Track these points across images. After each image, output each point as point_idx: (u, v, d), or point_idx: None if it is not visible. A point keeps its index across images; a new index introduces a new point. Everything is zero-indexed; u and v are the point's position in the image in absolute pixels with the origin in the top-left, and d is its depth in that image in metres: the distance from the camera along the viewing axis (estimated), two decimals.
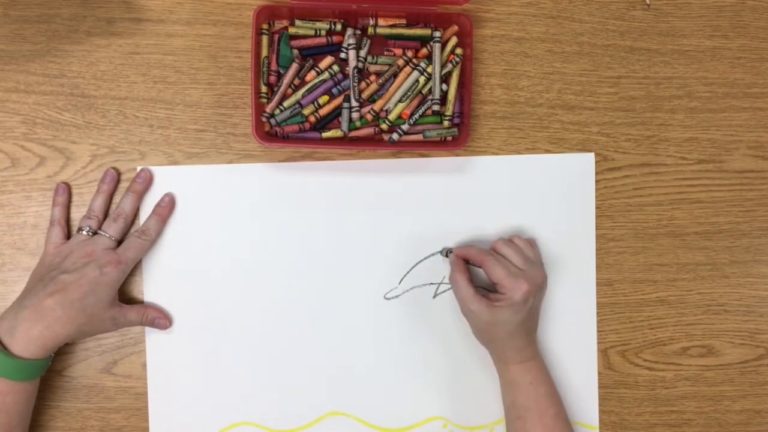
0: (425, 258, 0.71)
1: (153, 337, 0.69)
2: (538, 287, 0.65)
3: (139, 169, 0.69)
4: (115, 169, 0.69)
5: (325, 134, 0.69)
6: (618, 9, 0.73)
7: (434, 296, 0.71)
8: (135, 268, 0.68)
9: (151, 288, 0.69)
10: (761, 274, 0.74)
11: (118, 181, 0.69)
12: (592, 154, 0.72)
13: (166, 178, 0.69)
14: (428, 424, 0.71)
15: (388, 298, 0.71)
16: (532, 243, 0.69)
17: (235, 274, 0.70)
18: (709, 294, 0.74)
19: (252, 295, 0.70)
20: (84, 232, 0.66)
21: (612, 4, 0.73)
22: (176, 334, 0.69)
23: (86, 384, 0.69)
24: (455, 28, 0.69)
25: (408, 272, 0.71)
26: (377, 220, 0.71)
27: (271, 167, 0.70)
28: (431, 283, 0.71)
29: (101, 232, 0.66)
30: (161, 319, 0.68)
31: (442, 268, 0.71)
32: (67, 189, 0.69)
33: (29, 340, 0.61)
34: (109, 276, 0.64)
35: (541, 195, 0.72)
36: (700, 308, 0.74)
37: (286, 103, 0.69)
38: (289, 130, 0.69)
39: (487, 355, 0.69)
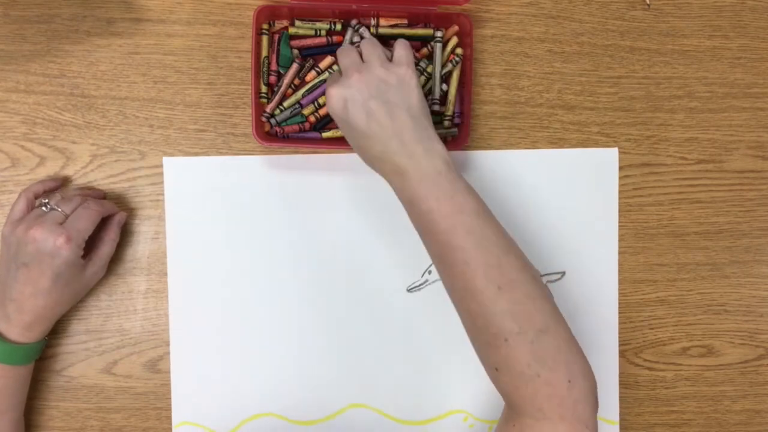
0: None
1: (177, 330, 0.70)
2: (361, 90, 0.57)
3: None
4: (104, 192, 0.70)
5: (325, 134, 0.69)
6: (618, 9, 0.73)
7: None
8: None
9: (175, 283, 0.70)
10: (761, 274, 0.74)
11: (103, 197, 0.69)
12: (616, 149, 0.72)
13: (183, 170, 0.70)
14: (449, 417, 0.71)
15: (411, 291, 0.71)
16: (378, 48, 0.61)
17: (257, 267, 0.70)
18: (709, 294, 0.74)
19: (274, 289, 0.70)
20: (43, 209, 0.64)
21: (612, 4, 0.73)
22: (199, 327, 0.70)
23: (86, 384, 0.69)
24: (456, 28, 0.69)
25: (432, 264, 0.71)
26: (397, 214, 0.70)
27: (293, 159, 0.70)
28: None
29: (54, 207, 0.64)
30: (118, 215, 0.68)
31: None
32: (61, 183, 0.69)
33: (24, 326, 0.63)
34: (63, 256, 0.62)
35: (562, 190, 0.72)
36: (700, 308, 0.74)
37: (286, 103, 0.69)
38: (289, 130, 0.69)
39: None
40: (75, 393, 0.70)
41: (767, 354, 0.74)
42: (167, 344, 0.70)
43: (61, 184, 0.69)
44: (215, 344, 0.70)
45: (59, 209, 0.64)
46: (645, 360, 0.73)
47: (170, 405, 0.70)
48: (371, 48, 0.61)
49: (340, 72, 0.61)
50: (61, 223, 0.63)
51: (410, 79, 0.60)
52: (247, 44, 0.70)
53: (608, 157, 0.72)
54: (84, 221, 0.63)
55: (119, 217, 0.68)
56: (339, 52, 0.62)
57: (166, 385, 0.70)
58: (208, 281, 0.70)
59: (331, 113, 0.60)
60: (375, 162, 0.60)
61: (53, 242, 0.61)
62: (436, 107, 0.69)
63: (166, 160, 0.70)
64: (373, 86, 0.58)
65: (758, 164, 0.74)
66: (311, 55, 0.69)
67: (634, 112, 0.73)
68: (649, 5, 0.73)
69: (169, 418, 0.70)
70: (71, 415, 0.69)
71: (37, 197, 0.66)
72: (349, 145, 0.69)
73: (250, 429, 0.70)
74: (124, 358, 0.70)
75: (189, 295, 0.70)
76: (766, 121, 0.74)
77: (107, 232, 0.67)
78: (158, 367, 0.70)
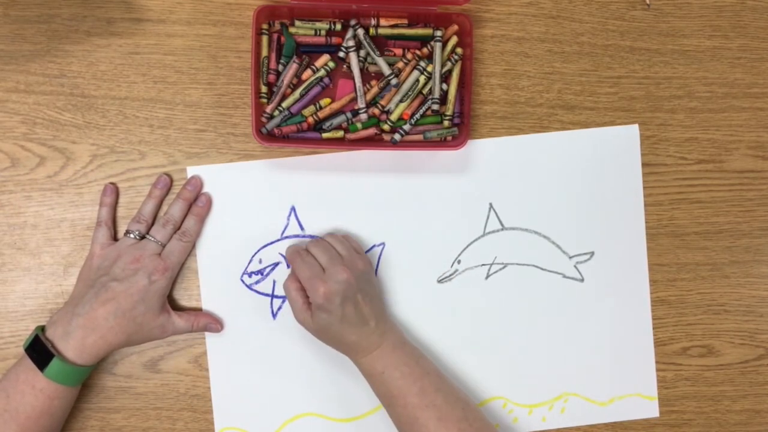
0: (476, 239, 0.71)
1: (213, 335, 0.70)
2: (343, 284, 0.62)
3: (189, 175, 0.69)
4: (167, 174, 0.69)
5: (326, 134, 0.69)
6: (618, 9, 0.73)
7: (487, 277, 0.71)
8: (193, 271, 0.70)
9: (207, 287, 0.70)
10: (761, 274, 0.74)
11: (170, 187, 0.69)
12: (636, 126, 0.72)
13: (208, 177, 0.70)
14: (488, 405, 0.72)
15: (442, 281, 0.71)
16: (343, 238, 0.67)
17: (286, 269, 0.70)
18: (709, 294, 0.74)
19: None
20: (132, 236, 0.66)
21: (612, 4, 0.73)
22: (235, 329, 0.70)
23: (86, 384, 0.69)
24: (455, 27, 0.69)
25: (460, 254, 0.71)
26: (425, 205, 0.71)
27: (312, 160, 0.71)
28: (483, 264, 0.71)
29: (149, 237, 0.66)
30: (213, 324, 0.69)
31: (494, 249, 0.71)
32: (115, 190, 0.69)
33: (83, 347, 0.62)
34: (158, 284, 0.64)
35: (585, 170, 0.72)
36: (700, 308, 0.74)
37: (284, 104, 0.69)
38: (287, 131, 0.69)
39: (542, 332, 0.71)
40: None
41: (767, 354, 0.74)
42: (167, 344, 0.70)
43: (116, 194, 0.69)
44: (252, 348, 0.70)
45: (154, 239, 0.66)
46: None
47: (170, 405, 0.70)
48: (343, 243, 0.66)
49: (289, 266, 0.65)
50: (159, 254, 0.66)
51: (371, 267, 0.68)
52: (247, 44, 0.70)
53: (629, 135, 0.72)
54: (178, 255, 0.67)
55: (213, 326, 0.69)
56: (313, 247, 0.65)
57: (167, 385, 0.70)
58: (240, 284, 0.70)
59: (316, 307, 0.63)
60: (347, 345, 0.65)
61: (153, 268, 0.64)
62: (436, 107, 0.69)
63: (191, 170, 0.70)
64: (360, 279, 0.64)
65: (758, 164, 0.74)
66: (309, 52, 0.69)
67: (634, 112, 0.73)
68: (649, 5, 0.73)
69: (168, 417, 0.70)
70: (71, 415, 0.69)
71: (112, 220, 0.68)
72: (346, 145, 0.69)
73: (292, 430, 0.70)
74: (124, 358, 0.70)
75: (222, 298, 0.70)
76: (766, 121, 0.74)
77: (196, 318, 0.68)
78: (158, 367, 0.70)
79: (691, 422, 0.74)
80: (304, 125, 0.69)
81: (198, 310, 0.70)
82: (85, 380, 0.67)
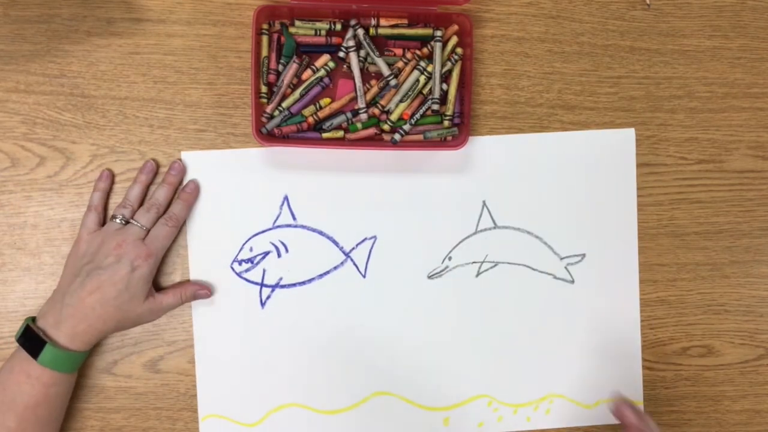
0: (468, 236, 0.71)
1: (200, 322, 0.70)
2: None
3: (184, 161, 0.69)
4: (154, 160, 0.69)
5: (326, 134, 0.69)
6: (618, 9, 0.73)
7: (477, 275, 0.71)
8: (162, 265, 0.69)
9: (198, 272, 0.70)
10: (761, 274, 0.74)
11: (155, 173, 0.69)
12: (632, 130, 0.72)
13: (202, 164, 0.70)
14: (473, 403, 0.72)
15: (432, 277, 0.71)
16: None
17: (277, 259, 0.71)
18: (709, 294, 0.74)
19: (296, 279, 0.71)
20: (117, 221, 0.66)
21: (612, 4, 0.73)
22: (223, 317, 0.70)
23: (86, 384, 0.69)
24: (455, 27, 0.69)
25: (451, 250, 0.71)
26: (410, 206, 0.71)
27: (302, 152, 0.70)
28: (474, 262, 0.71)
29: (133, 222, 0.66)
30: (201, 290, 0.69)
31: (486, 247, 0.71)
32: (110, 175, 0.69)
33: (75, 334, 0.63)
34: (141, 271, 0.64)
35: (580, 172, 0.72)
36: (700, 308, 0.74)
37: (285, 104, 0.69)
38: (287, 131, 0.69)
39: (530, 332, 0.71)
40: (75, 393, 0.69)
41: (767, 354, 0.74)
42: (167, 344, 0.70)
43: (111, 180, 0.69)
44: (238, 336, 0.70)
45: (138, 224, 0.66)
46: (645, 360, 0.73)
47: (170, 405, 0.70)
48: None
49: None
50: (143, 239, 0.65)
51: None
52: (247, 44, 0.70)
53: (625, 138, 0.72)
54: (162, 240, 0.66)
55: (202, 292, 0.69)
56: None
57: (167, 385, 0.70)
58: (228, 273, 0.70)
59: None
60: None
61: (135, 254, 0.64)
62: (436, 107, 0.69)
63: (185, 155, 0.70)
64: None
65: (758, 164, 0.74)
66: (309, 52, 0.69)
67: (634, 112, 0.73)
68: (649, 5, 0.73)
69: (168, 417, 0.70)
70: (71, 415, 0.69)
71: (102, 206, 0.68)
72: (346, 146, 0.69)
73: (275, 420, 0.70)
74: (124, 358, 0.70)
75: (211, 284, 0.70)
76: (766, 121, 0.74)
77: (182, 289, 0.68)
78: (158, 367, 0.70)
79: (691, 422, 0.74)
80: (304, 125, 0.69)
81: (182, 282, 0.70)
82: (84, 381, 0.67)
